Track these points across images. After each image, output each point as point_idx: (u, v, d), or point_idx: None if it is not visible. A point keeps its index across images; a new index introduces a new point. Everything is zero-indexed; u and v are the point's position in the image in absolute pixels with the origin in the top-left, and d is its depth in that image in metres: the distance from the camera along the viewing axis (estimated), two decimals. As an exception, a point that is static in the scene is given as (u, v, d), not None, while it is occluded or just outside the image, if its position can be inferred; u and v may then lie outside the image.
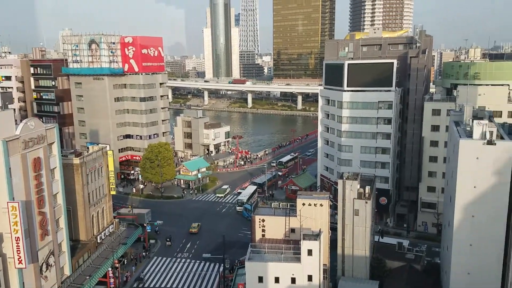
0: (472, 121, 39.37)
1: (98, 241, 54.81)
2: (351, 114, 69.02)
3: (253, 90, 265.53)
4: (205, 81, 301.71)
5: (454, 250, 38.47)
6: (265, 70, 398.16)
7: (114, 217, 61.86)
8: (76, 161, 51.03)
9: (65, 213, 46.04)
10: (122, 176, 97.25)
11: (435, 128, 63.69)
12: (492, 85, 59.64)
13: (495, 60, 69.43)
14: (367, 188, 46.69)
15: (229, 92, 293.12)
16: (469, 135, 38.75)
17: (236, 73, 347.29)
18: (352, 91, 68.81)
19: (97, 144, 68.94)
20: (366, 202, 45.57)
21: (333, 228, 47.62)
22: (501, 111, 56.30)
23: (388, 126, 66.79)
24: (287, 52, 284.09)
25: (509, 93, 58.16)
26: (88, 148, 63.03)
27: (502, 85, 59.14)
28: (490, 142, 36.22)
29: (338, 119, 70.92)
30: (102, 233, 56.35)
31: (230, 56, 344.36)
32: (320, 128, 78.64)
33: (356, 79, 68.52)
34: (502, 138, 37.89)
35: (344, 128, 69.58)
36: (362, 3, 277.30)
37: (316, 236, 38.28)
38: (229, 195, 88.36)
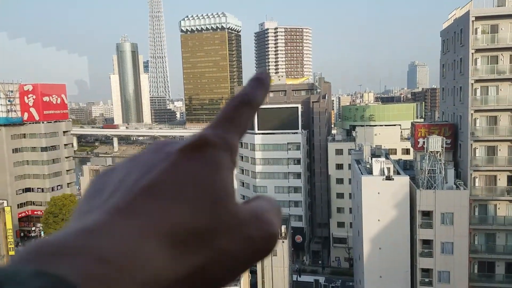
0: (371, 159, 42.85)
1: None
2: (263, 156, 71.31)
3: (166, 135, 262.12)
4: (126, 127, 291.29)
5: (366, 283, 40.51)
6: (178, 115, 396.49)
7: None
8: (-34, 222, 45.68)
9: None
10: (22, 234, 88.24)
11: (339, 166, 68.21)
12: (385, 125, 66.09)
13: (387, 103, 77.42)
14: (283, 228, 47.89)
15: (140, 138, 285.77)
16: (370, 172, 42.01)
17: (147, 118, 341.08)
18: (263, 133, 71.50)
19: (-8, 201, 62.47)
20: (283, 242, 46.57)
21: (252, 271, 47.61)
22: (396, 149, 62.21)
23: (298, 166, 69.92)
24: (199, 98, 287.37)
25: (401, 132, 64.75)
26: (-20, 206, 56.86)
27: (394, 125, 65.81)
28: (388, 178, 39.62)
29: (251, 161, 72.78)
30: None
31: (140, 102, 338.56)
32: (235, 171, 79.68)
33: (266, 122, 71.47)
34: (398, 173, 41.69)
35: (258, 170, 71.43)
36: (266, 52, 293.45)
37: (236, 281, 38.07)
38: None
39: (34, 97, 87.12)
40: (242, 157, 76.28)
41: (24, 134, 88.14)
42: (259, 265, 46.81)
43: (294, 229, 64.72)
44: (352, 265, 62.87)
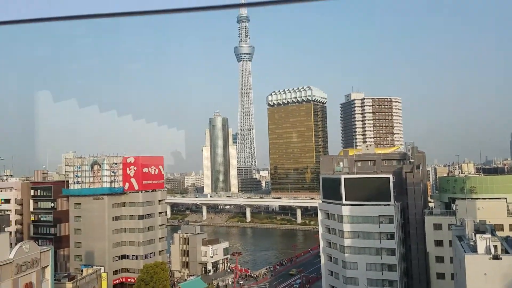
0: (475, 236, 39.04)
1: None
2: (352, 228, 68.13)
3: (251, 204, 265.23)
4: (210, 196, 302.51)
5: None
6: (263, 184, 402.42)
7: None
8: (69, 285, 49.05)
9: None
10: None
11: (439, 243, 62.54)
12: (489, 198, 60.31)
13: (489, 174, 71.24)
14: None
15: (227, 207, 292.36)
16: (474, 250, 38.11)
17: (234, 187, 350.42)
18: (351, 204, 68.90)
19: (92, 267, 66.66)
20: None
21: None
22: (502, 225, 55.99)
23: (392, 241, 65.50)
24: (284, 167, 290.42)
25: (507, 206, 58.44)
26: (82, 271, 60.84)
27: (499, 198, 59.81)
28: (496, 257, 35.56)
29: (339, 233, 69.76)
30: None
31: (228, 172, 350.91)
32: (321, 243, 76.88)
33: (354, 193, 69.15)
34: (507, 252, 37.22)
35: (346, 243, 68.03)
36: (352, 122, 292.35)
37: None
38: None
39: (135, 168, 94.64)
40: (329, 229, 73.70)
41: (124, 203, 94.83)
42: None
43: (388, 311, 59.35)
44: None
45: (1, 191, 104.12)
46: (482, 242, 37.00)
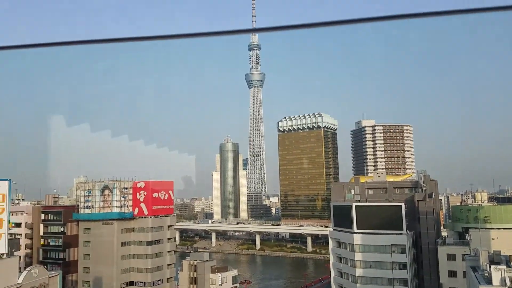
0: (490, 266, 38.32)
1: None
2: (364, 257, 66.85)
3: (261, 231, 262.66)
4: (219, 222, 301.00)
5: None
6: (273, 211, 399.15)
7: None
8: (76, 312, 48.42)
9: None
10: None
11: (452, 273, 61.05)
12: (503, 228, 59.13)
13: (503, 204, 70.03)
14: None
15: (237, 233, 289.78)
16: (488, 281, 37.35)
17: (244, 213, 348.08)
18: (362, 233, 67.87)
19: (100, 293, 66.03)
20: None
21: None
22: (519, 255, 54.46)
23: (404, 271, 64.02)
24: (294, 194, 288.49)
25: (523, 236, 57.03)
26: (90, 297, 60.31)
27: (514, 228, 58.60)
28: (512, 290, 34.64)
29: (351, 262, 68.48)
30: None
31: (238, 198, 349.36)
32: (333, 273, 75.43)
33: (365, 221, 68.23)
34: (524, 285, 36.18)
35: (358, 273, 66.66)
36: (363, 149, 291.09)
37: None
38: None
39: (145, 193, 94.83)
40: (341, 258, 72.44)
41: (133, 228, 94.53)
42: None
43: None
44: None
45: (12, 215, 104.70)
46: (497, 273, 36.27)
